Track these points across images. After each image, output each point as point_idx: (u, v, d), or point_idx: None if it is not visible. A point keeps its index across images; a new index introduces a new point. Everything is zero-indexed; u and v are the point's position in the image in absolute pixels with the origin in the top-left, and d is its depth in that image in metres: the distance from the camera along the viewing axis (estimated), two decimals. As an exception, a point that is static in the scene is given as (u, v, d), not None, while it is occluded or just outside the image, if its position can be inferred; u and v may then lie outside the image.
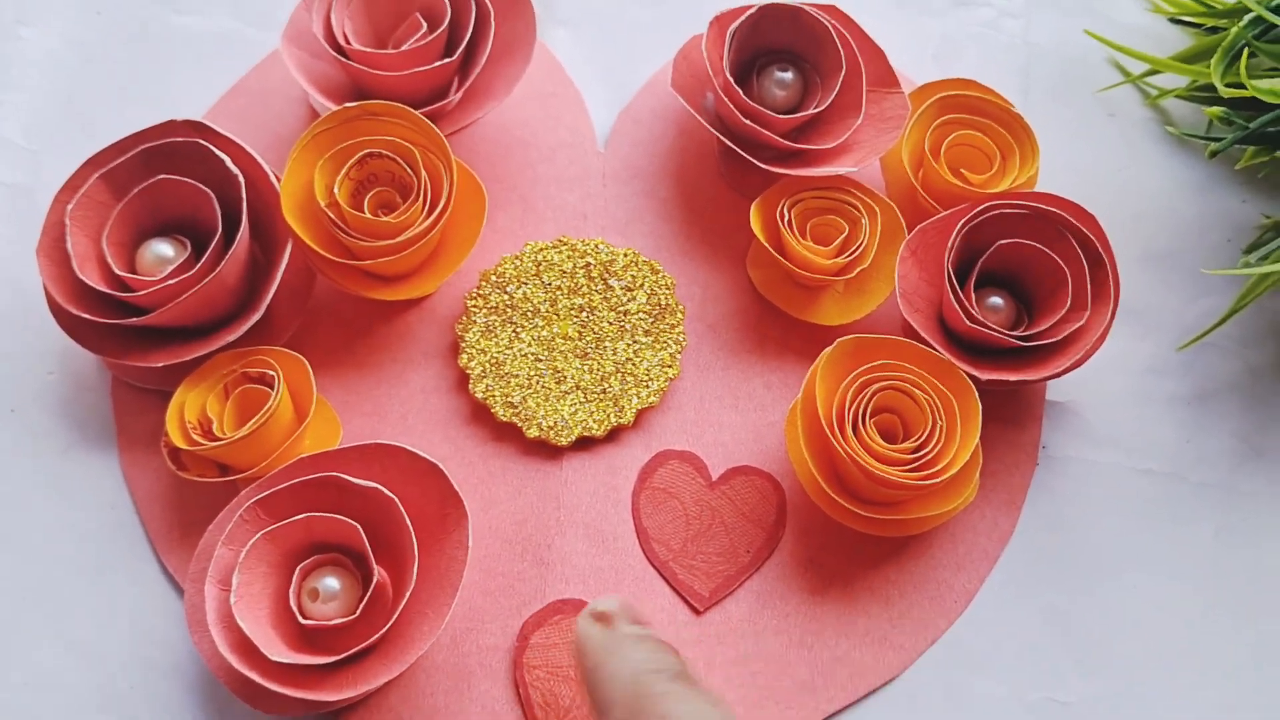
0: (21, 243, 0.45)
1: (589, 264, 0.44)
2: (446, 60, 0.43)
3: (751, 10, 0.44)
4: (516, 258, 0.44)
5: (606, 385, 0.42)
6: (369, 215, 0.41)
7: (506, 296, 0.43)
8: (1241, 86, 0.42)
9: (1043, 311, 0.42)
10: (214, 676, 0.38)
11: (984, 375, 0.40)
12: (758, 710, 0.39)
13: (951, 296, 0.41)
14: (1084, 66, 0.50)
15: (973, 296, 0.42)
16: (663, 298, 0.44)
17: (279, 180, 0.41)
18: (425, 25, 0.44)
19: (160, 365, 0.40)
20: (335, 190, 0.41)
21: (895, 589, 0.40)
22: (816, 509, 0.41)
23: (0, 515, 0.41)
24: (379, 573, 0.37)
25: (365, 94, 0.44)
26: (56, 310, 0.41)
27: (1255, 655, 0.40)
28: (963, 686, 0.40)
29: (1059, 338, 0.41)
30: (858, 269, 0.43)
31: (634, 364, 0.43)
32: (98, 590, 0.40)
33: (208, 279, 0.39)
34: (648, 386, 0.42)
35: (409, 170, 0.41)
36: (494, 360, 0.43)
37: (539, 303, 0.43)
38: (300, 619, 0.37)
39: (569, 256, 0.44)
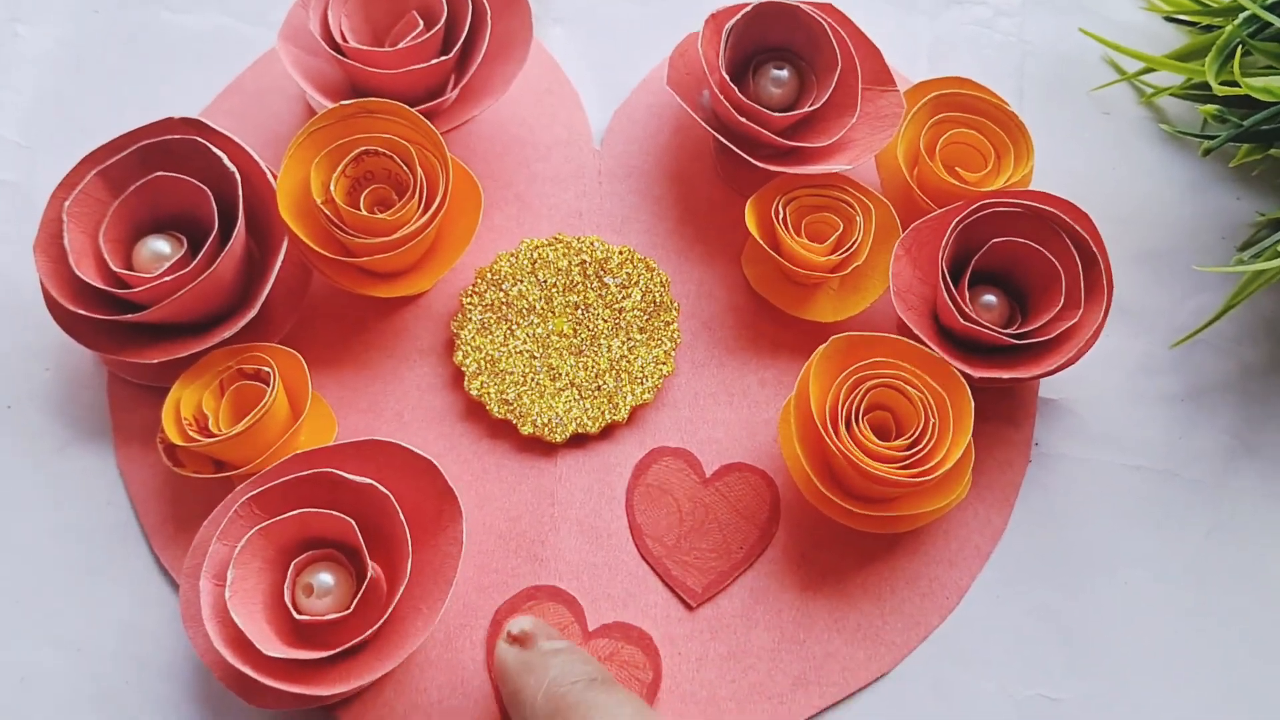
0: (17, 240, 0.45)
1: (584, 261, 0.44)
2: (443, 58, 0.43)
3: (747, 8, 0.45)
4: (512, 255, 0.44)
5: (601, 382, 0.42)
6: (365, 212, 0.41)
7: (502, 294, 0.44)
8: (1236, 85, 0.43)
9: (1036, 309, 0.42)
10: (208, 671, 0.38)
11: (977, 373, 0.40)
12: (750, 705, 0.39)
13: (945, 294, 0.41)
14: (1079, 65, 0.50)
15: (967, 294, 0.42)
16: (657, 295, 0.44)
17: (275, 177, 0.41)
18: (422, 23, 0.44)
19: (156, 361, 0.40)
20: (331, 187, 0.41)
21: (887, 585, 0.41)
22: (810, 506, 0.41)
23: (-3, 511, 0.42)
24: (373, 568, 0.37)
25: (362, 91, 0.44)
26: (53, 306, 0.41)
27: (1247, 652, 0.41)
28: (953, 682, 0.40)
29: (1052, 335, 0.41)
30: (852, 266, 0.43)
31: (629, 361, 0.43)
32: (93, 586, 0.41)
33: (204, 275, 0.40)
34: (642, 383, 0.43)
35: (405, 168, 0.42)
36: (489, 357, 0.43)
37: (534, 300, 0.44)
38: (295, 614, 0.37)
39: (564, 254, 0.44)
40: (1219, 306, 0.44)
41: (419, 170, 0.41)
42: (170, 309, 0.40)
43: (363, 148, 0.41)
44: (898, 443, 0.39)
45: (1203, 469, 0.43)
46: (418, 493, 0.38)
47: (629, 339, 0.43)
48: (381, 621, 0.37)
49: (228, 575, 0.36)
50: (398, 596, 0.37)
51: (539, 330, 0.43)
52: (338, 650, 0.36)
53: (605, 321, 0.43)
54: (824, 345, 0.40)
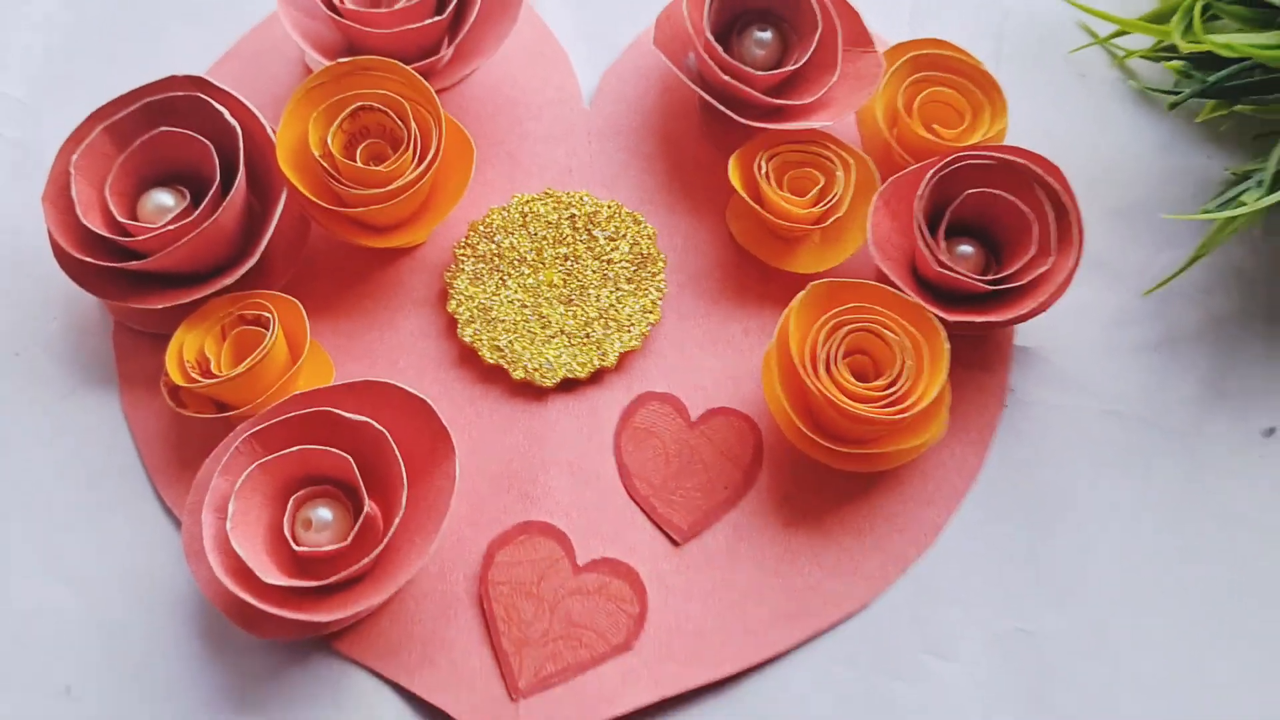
0: (25, 195, 0.46)
1: (574, 215, 0.46)
2: (437, 18, 0.45)
3: (732, -28, 0.46)
4: (504, 209, 0.46)
5: (590, 330, 0.44)
6: (361, 165, 0.42)
7: (494, 246, 0.45)
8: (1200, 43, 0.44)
9: (1010, 258, 0.43)
10: (211, 605, 0.40)
11: (951, 317, 0.42)
12: (733, 636, 0.40)
13: (921, 243, 0.42)
14: (1055, 29, 0.51)
15: (943, 244, 0.43)
16: (645, 247, 0.45)
17: (274, 132, 0.43)
18: (416, -15, 0.45)
19: (160, 308, 0.42)
20: (329, 141, 0.43)
21: (866, 522, 0.42)
22: (791, 447, 0.43)
23: (6, 454, 0.43)
24: (369, 504, 0.39)
25: (359, 51, 0.45)
26: (61, 255, 0.42)
27: (1215, 591, 0.42)
28: (930, 615, 0.41)
29: (1024, 282, 0.42)
30: (832, 218, 0.44)
31: (616, 310, 0.44)
32: (99, 525, 0.42)
33: (205, 225, 0.41)
34: (629, 331, 0.44)
35: (399, 122, 0.43)
36: (481, 306, 0.44)
37: (525, 252, 0.45)
38: (294, 547, 0.38)
39: (554, 208, 0.46)
40: (1190, 256, 0.45)
41: (413, 125, 0.43)
42: (173, 258, 0.41)
43: (359, 103, 0.43)
44: (876, 384, 0.41)
45: (1175, 414, 0.44)
46: (413, 431, 0.40)
47: (617, 289, 0.45)
48: (377, 553, 0.38)
49: (229, 508, 0.38)
50: (393, 530, 0.38)
51: (530, 280, 0.45)
52: (335, 579, 0.38)
53: (594, 272, 0.45)
54: (803, 292, 0.41)
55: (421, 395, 0.40)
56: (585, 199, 0.46)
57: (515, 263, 0.45)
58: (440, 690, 0.39)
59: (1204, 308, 0.46)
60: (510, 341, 0.44)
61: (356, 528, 0.38)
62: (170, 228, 0.41)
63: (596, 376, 0.44)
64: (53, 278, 0.44)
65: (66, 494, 0.42)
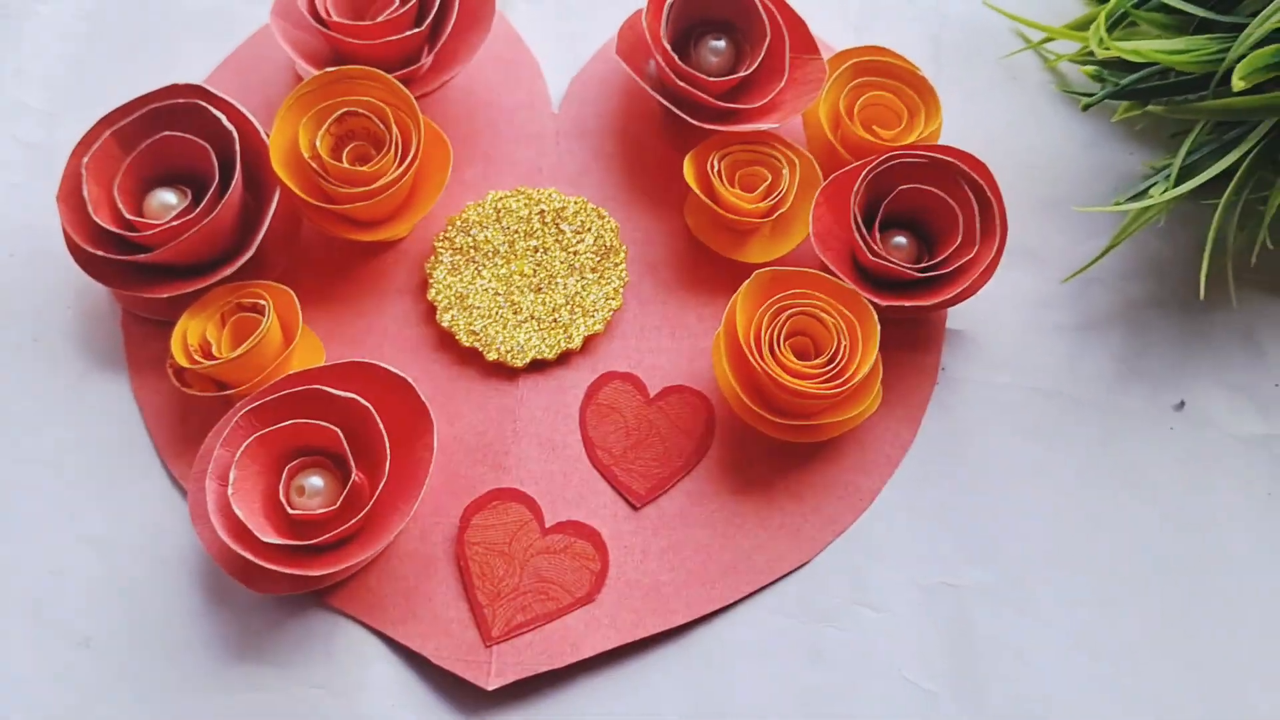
0: (42, 195, 0.50)
1: (543, 211, 0.50)
2: (416, 30, 0.48)
3: (687, -14, 0.50)
4: (479, 205, 0.50)
5: (558, 315, 0.48)
6: (347, 166, 0.46)
7: (470, 239, 0.49)
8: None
9: (939, 248, 0.47)
10: (214, 563, 0.44)
11: (884, 302, 0.46)
12: (685, 589, 0.44)
13: (857, 235, 0.46)
14: (990, 35, 0.55)
15: (878, 236, 0.47)
16: (608, 239, 0.49)
17: (268, 136, 0.47)
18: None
19: (165, 297, 0.46)
20: (317, 144, 0.46)
21: (808, 489, 0.46)
22: (740, 421, 0.47)
23: (25, 431, 0.47)
24: (356, 473, 0.43)
25: (344, 60, 0.49)
26: (74, 249, 0.46)
27: (1124, 549, 0.46)
28: (866, 571, 0.45)
29: (950, 269, 0.46)
30: (778, 213, 0.48)
31: (582, 297, 0.48)
32: (112, 494, 0.46)
33: (205, 221, 0.45)
34: (594, 316, 0.48)
35: (382, 126, 0.47)
36: (458, 294, 0.48)
37: (499, 244, 0.49)
38: (289, 511, 0.42)
39: (526, 204, 0.50)
40: (1106, 245, 0.49)
41: (394, 129, 0.47)
42: (176, 251, 0.45)
43: (345, 109, 0.47)
44: (815, 362, 0.45)
45: (1092, 390, 0.48)
46: (395, 407, 0.44)
47: (582, 278, 0.49)
48: (363, 516, 0.42)
49: (230, 476, 0.42)
50: (377, 495, 0.42)
51: (503, 271, 0.49)
52: (325, 540, 0.42)
53: (561, 263, 0.49)
54: (748, 280, 0.45)
55: (403, 375, 0.44)
56: (554, 195, 0.50)
57: (489, 254, 0.49)
58: (422, 639, 0.44)
59: (1121, 293, 0.50)
60: (485, 326, 0.48)
61: (345, 494, 0.42)
62: (174, 223, 0.45)
63: (564, 358, 0.48)
64: (67, 270, 0.48)
65: (83, 466, 0.46)
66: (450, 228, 0.49)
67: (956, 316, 0.50)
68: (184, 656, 0.44)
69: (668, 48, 0.49)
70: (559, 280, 0.49)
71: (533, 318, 0.48)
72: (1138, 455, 0.47)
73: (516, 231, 0.49)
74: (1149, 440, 0.48)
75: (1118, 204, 0.48)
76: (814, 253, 0.48)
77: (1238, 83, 0.43)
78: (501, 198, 0.50)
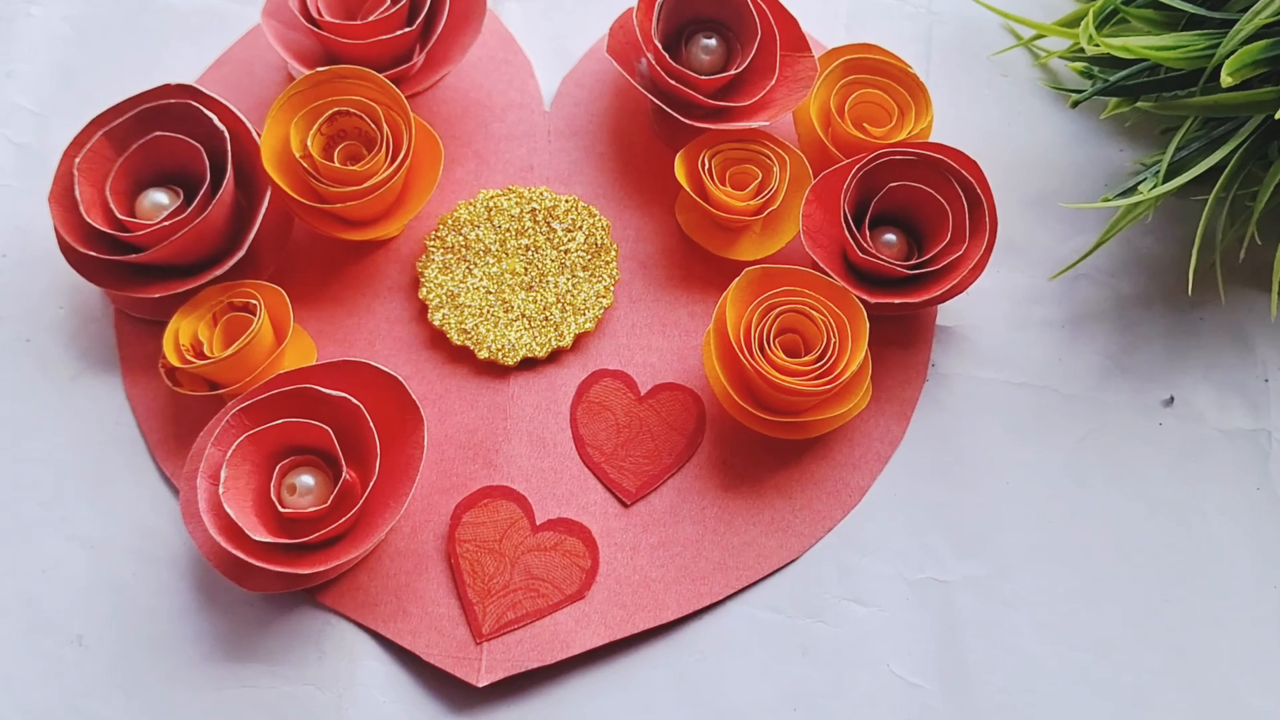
0: (33, 196, 0.50)
1: (534, 209, 0.50)
2: (407, 29, 0.49)
3: (678, -15, 0.50)
4: (470, 204, 0.50)
5: (549, 313, 0.48)
6: (339, 165, 0.47)
7: (461, 238, 0.49)
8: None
9: (929, 245, 0.48)
10: (206, 562, 0.44)
11: (873, 299, 0.46)
12: (675, 586, 0.45)
13: (847, 232, 0.46)
14: (981, 32, 0.55)
15: (867, 233, 0.47)
16: (599, 238, 0.50)
17: (259, 135, 0.47)
18: (388, -1, 0.49)
19: (157, 297, 0.46)
20: (309, 143, 0.47)
21: (797, 485, 0.46)
22: (730, 418, 0.47)
23: (19, 431, 0.47)
24: (347, 471, 0.43)
25: (336, 60, 0.49)
26: (66, 250, 0.46)
27: (1112, 543, 0.46)
28: (855, 567, 0.46)
29: (939, 267, 0.46)
30: (768, 210, 0.48)
31: (573, 295, 0.49)
32: (105, 492, 0.46)
33: (197, 221, 0.45)
34: (585, 314, 0.48)
35: (373, 126, 0.47)
36: (450, 293, 0.48)
37: (490, 243, 0.49)
38: (280, 509, 0.43)
39: (517, 203, 0.50)
40: (1094, 242, 0.49)
41: (385, 128, 0.47)
42: (168, 251, 0.45)
43: (336, 109, 0.47)
44: (805, 359, 0.45)
45: (1080, 386, 0.49)
46: (386, 405, 0.44)
47: (573, 276, 0.49)
48: (353, 514, 0.42)
49: (221, 474, 0.42)
50: (367, 493, 0.42)
51: (494, 269, 0.49)
52: (316, 538, 0.42)
53: (552, 261, 0.49)
54: (739, 278, 0.46)
55: (394, 373, 0.44)
56: (545, 194, 0.50)
57: (481, 253, 0.49)
58: (413, 636, 0.44)
59: (1109, 289, 0.50)
60: (476, 325, 0.48)
61: (335, 492, 0.43)
62: (165, 224, 0.45)
63: (554, 356, 0.48)
64: (59, 270, 0.48)
65: (76, 465, 0.47)
66: (441, 226, 0.50)
67: (946, 313, 0.50)
68: (176, 654, 0.44)
69: (659, 46, 0.49)
70: (550, 278, 0.49)
71: (524, 316, 0.48)
72: (1126, 451, 0.48)
73: (508, 230, 0.49)
74: (1138, 436, 0.48)
75: (1106, 200, 0.48)
76: (804, 250, 0.48)
77: (1226, 79, 0.43)
78: (493, 196, 0.50)
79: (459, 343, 0.48)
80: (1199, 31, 0.47)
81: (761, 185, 0.49)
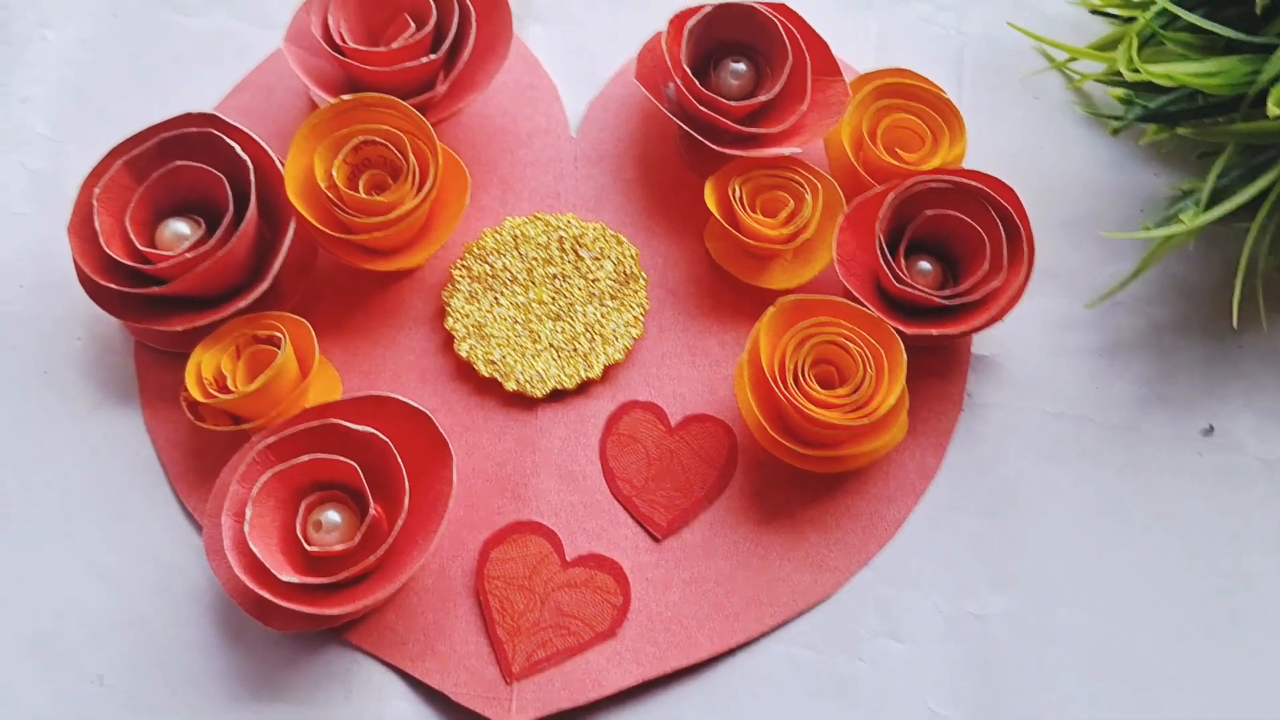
0: (51, 223, 0.49)
1: (561, 237, 0.49)
2: (432, 56, 0.48)
3: (707, 9, 0.49)
4: (496, 231, 0.49)
5: (577, 344, 0.47)
6: (364, 195, 0.46)
7: (488, 266, 0.49)
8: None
9: (965, 274, 0.47)
10: (230, 600, 0.43)
11: (909, 330, 0.45)
12: (709, 623, 0.44)
13: (882, 261, 0.46)
14: (1013, 54, 0.54)
15: (903, 262, 0.47)
16: (628, 266, 0.49)
17: (283, 165, 0.46)
18: (413, 25, 0.48)
19: (179, 329, 0.45)
20: (333, 173, 0.46)
21: (832, 519, 0.45)
22: (763, 450, 0.46)
23: (37, 465, 0.46)
24: (374, 507, 0.42)
25: (359, 87, 0.48)
26: (86, 282, 0.46)
27: (1151, 576, 0.45)
28: (890, 602, 0.45)
29: (977, 297, 0.46)
30: (802, 238, 0.48)
31: (601, 325, 0.48)
32: (125, 527, 0.45)
33: (220, 253, 0.44)
34: (614, 345, 0.47)
35: (399, 155, 0.46)
36: (476, 323, 0.48)
37: (517, 272, 0.48)
38: (306, 547, 0.42)
39: (544, 230, 0.49)
40: (1132, 270, 0.49)
41: (411, 157, 0.46)
42: (190, 283, 0.45)
43: (361, 137, 0.46)
44: (840, 391, 0.44)
45: (1117, 415, 0.48)
46: (414, 440, 0.43)
47: (602, 305, 0.48)
48: (382, 552, 0.41)
49: (246, 513, 0.41)
50: (396, 531, 0.42)
51: (521, 299, 0.48)
52: (344, 577, 0.41)
53: (580, 290, 0.48)
54: (772, 308, 0.45)
55: (421, 407, 0.43)
56: (572, 221, 0.49)
57: (507, 282, 0.48)
58: (441, 675, 0.43)
59: (1146, 316, 0.49)
60: (503, 355, 0.47)
61: (363, 529, 0.42)
62: (187, 255, 0.44)
63: (583, 387, 0.47)
64: (78, 300, 0.47)
65: (95, 500, 0.46)
66: (467, 255, 0.49)
67: (981, 341, 0.49)
68: (199, 694, 0.43)
69: (687, 71, 0.48)
70: (578, 308, 0.48)
71: (551, 346, 0.47)
72: (1165, 481, 0.47)
73: (535, 259, 0.49)
74: (1176, 466, 0.47)
75: (1147, 229, 0.47)
76: (836, 278, 0.47)
77: (1273, 108, 0.42)
78: (519, 224, 0.49)
79: (486, 374, 0.47)
80: (1239, 56, 0.46)
81: (794, 213, 0.48)
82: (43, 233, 0.50)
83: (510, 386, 0.47)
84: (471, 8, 0.49)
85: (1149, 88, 0.50)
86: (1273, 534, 0.46)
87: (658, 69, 0.50)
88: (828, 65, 0.50)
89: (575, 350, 0.47)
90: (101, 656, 0.44)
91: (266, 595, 0.40)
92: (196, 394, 0.44)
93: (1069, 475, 0.47)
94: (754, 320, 0.48)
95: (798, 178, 0.48)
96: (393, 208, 0.45)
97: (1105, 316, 0.49)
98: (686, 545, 0.45)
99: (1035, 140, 0.53)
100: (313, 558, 0.42)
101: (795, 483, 0.46)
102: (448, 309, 0.48)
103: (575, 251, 0.49)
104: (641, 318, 0.48)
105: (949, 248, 0.48)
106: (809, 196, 0.48)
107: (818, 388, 0.44)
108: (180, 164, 0.46)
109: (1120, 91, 0.49)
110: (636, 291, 0.48)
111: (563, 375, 0.47)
